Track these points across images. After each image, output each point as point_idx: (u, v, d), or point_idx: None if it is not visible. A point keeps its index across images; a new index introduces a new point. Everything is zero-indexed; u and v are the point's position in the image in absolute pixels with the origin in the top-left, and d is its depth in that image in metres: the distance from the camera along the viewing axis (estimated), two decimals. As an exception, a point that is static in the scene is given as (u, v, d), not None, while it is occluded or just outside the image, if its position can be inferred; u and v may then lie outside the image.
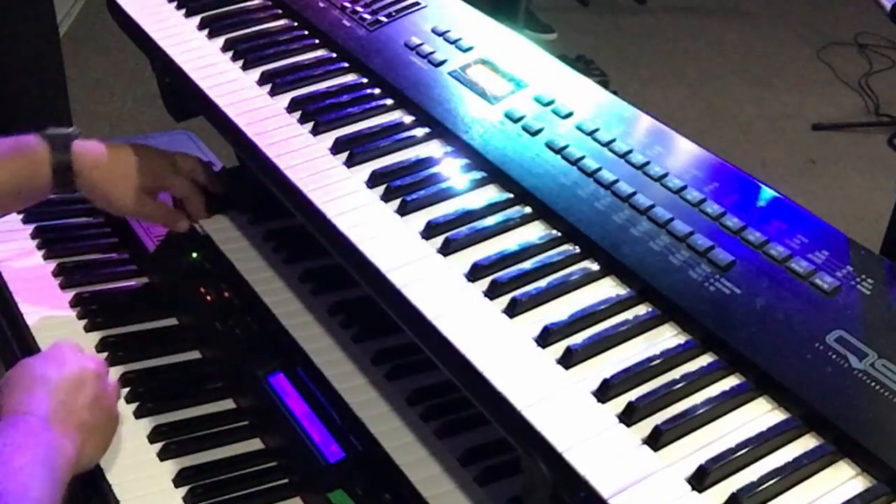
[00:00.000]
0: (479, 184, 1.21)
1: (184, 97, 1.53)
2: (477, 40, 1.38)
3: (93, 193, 1.45)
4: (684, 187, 1.12)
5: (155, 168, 1.48)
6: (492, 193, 1.19)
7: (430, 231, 1.13)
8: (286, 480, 1.22)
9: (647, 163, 1.16)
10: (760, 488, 0.86)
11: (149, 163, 1.47)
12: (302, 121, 1.32)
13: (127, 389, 1.32)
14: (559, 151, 1.19)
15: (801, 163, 3.91)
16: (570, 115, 1.24)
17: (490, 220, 1.15)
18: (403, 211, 1.17)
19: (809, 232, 1.06)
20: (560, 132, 1.22)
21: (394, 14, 1.46)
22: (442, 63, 1.35)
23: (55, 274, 1.51)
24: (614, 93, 1.31)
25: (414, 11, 1.46)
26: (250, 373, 1.33)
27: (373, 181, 1.21)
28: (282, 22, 1.54)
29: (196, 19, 1.54)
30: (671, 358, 0.98)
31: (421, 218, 1.15)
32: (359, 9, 1.48)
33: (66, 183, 1.41)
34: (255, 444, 1.27)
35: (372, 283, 1.11)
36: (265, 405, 1.30)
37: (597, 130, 1.21)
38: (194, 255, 1.52)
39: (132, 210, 1.49)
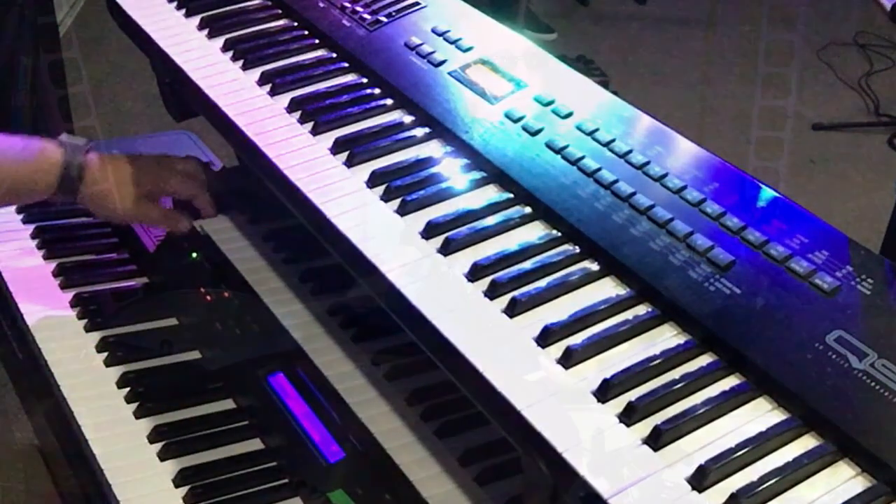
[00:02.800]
0: (479, 184, 1.21)
1: (184, 97, 1.53)
2: (477, 40, 1.38)
3: (92, 204, 1.45)
4: (684, 187, 1.12)
5: (150, 176, 1.48)
6: (492, 193, 1.19)
7: (430, 231, 1.13)
8: (286, 480, 1.22)
9: (647, 163, 1.16)
10: (760, 488, 0.86)
11: (143, 171, 1.47)
12: (302, 121, 1.32)
13: (127, 389, 1.32)
14: (559, 151, 1.19)
15: (801, 163, 3.91)
16: (570, 115, 1.24)
17: (490, 220, 1.14)
18: (403, 211, 1.17)
19: (809, 232, 1.06)
20: (560, 132, 1.22)
21: (394, 14, 1.45)
22: (442, 63, 1.35)
23: (55, 274, 1.51)
24: (614, 93, 1.31)
25: (414, 11, 1.46)
26: (250, 373, 1.33)
27: (373, 181, 1.21)
28: (282, 22, 1.54)
29: (196, 19, 1.54)
30: (671, 358, 0.97)
31: (421, 218, 1.15)
32: (359, 9, 1.48)
33: (69, 192, 1.41)
34: (255, 444, 1.27)
35: (371, 283, 1.11)
36: (265, 405, 1.30)
37: (597, 130, 1.21)
38: (194, 255, 1.52)
39: (131, 218, 1.51)
